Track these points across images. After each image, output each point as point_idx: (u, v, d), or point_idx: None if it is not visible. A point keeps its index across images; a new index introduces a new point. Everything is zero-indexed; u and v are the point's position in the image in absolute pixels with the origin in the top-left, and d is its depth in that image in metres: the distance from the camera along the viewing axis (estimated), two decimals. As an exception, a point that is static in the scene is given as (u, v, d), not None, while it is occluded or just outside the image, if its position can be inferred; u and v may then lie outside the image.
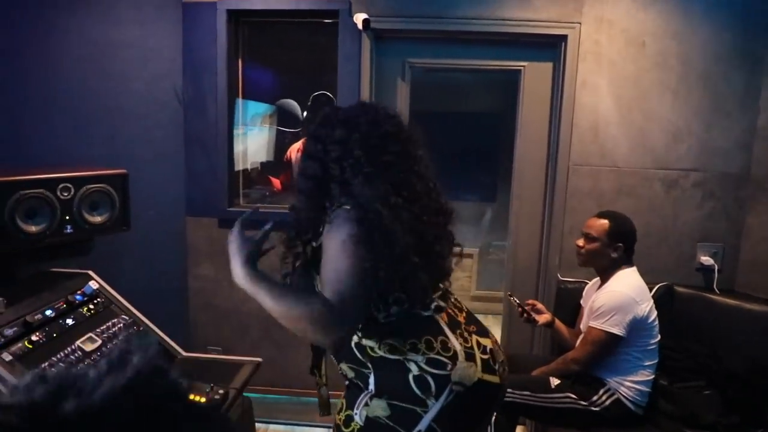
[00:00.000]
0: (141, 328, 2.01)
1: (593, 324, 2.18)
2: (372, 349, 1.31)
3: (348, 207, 1.24)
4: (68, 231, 2.05)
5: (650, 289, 2.29)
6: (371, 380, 1.31)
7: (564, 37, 2.60)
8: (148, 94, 2.62)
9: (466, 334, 1.36)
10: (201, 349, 2.91)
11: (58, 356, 1.64)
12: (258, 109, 3.23)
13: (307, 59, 3.17)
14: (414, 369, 1.28)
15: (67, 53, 2.31)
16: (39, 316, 1.74)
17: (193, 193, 2.85)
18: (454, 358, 1.30)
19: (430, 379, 1.27)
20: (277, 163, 3.74)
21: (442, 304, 1.38)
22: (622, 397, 2.16)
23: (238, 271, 1.31)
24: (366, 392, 1.32)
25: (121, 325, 1.94)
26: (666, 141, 2.65)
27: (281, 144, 3.68)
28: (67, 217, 2.03)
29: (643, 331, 2.17)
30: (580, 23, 2.58)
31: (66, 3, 2.29)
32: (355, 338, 1.32)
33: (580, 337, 2.38)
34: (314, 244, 1.32)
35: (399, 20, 2.63)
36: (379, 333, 1.30)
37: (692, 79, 2.59)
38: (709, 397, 2.23)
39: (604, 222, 2.27)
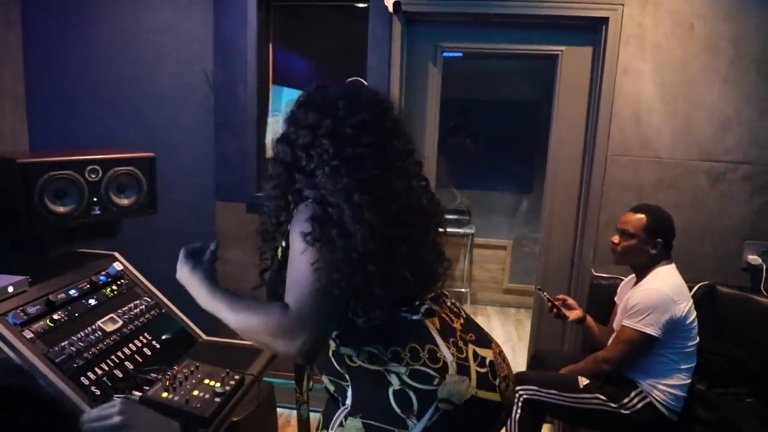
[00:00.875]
0: (162, 311, 2.03)
1: (627, 323, 2.08)
2: (350, 357, 1.17)
3: (308, 202, 1.14)
4: (96, 212, 2.09)
5: (690, 288, 2.17)
6: (348, 394, 1.19)
7: (605, 20, 2.46)
8: (179, 79, 2.64)
9: (461, 343, 1.20)
10: (229, 331, 2.94)
11: (78, 336, 1.67)
12: (291, 95, 3.22)
13: (340, 44, 3.13)
14: (395, 382, 1.13)
15: (99, 38, 2.34)
16: (62, 295, 1.77)
17: (222, 178, 2.86)
18: (443, 370, 1.14)
19: (412, 394, 1.12)
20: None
21: (434, 307, 1.22)
22: (654, 401, 2.05)
23: (199, 293, 1.24)
24: (342, 408, 1.20)
25: (143, 306, 1.96)
26: (713, 131, 2.48)
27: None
28: (95, 199, 2.07)
29: (680, 332, 2.05)
30: (622, 5, 2.43)
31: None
32: (332, 346, 1.19)
33: (612, 335, 2.28)
34: (283, 244, 1.19)
35: (431, 3, 2.55)
36: (359, 339, 1.16)
37: (745, 64, 2.41)
38: (750, 405, 2.09)
39: (641, 217, 2.14)
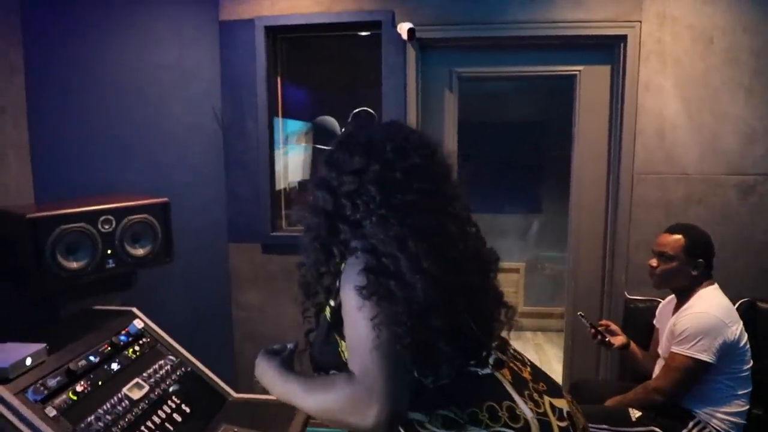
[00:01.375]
0: (189, 369, 1.89)
1: (677, 350, 1.98)
2: (421, 424, 1.04)
3: (358, 253, 1.03)
4: (110, 265, 1.96)
5: (733, 308, 2.08)
6: None
7: (623, 38, 2.42)
8: (186, 117, 2.53)
9: (536, 396, 1.09)
10: (248, 383, 2.78)
11: (105, 408, 1.52)
12: (293, 126, 3.13)
13: (346, 74, 3.06)
14: None
15: (103, 79, 2.23)
16: (83, 362, 1.63)
17: (235, 218, 2.74)
18: (525, 429, 1.03)
19: None
20: (315, 181, 3.64)
21: (502, 357, 1.12)
22: (714, 430, 1.95)
23: (273, 383, 1.16)
24: None
25: (169, 367, 1.82)
26: (740, 144, 2.44)
27: (318, 162, 3.58)
28: (109, 251, 1.94)
29: (734, 356, 1.96)
30: (640, 21, 2.40)
31: (104, 26, 2.21)
32: None
33: (658, 362, 2.18)
34: (332, 303, 1.08)
35: (445, 28, 2.50)
36: (429, 402, 1.04)
37: (767, 74, 2.38)
38: (813, 427, 2.00)
39: (679, 237, 2.06)
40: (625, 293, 2.55)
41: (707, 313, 1.97)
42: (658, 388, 2.01)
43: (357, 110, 3.37)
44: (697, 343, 1.93)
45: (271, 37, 2.65)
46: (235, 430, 1.57)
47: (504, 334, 1.19)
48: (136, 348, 1.83)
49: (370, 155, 1.07)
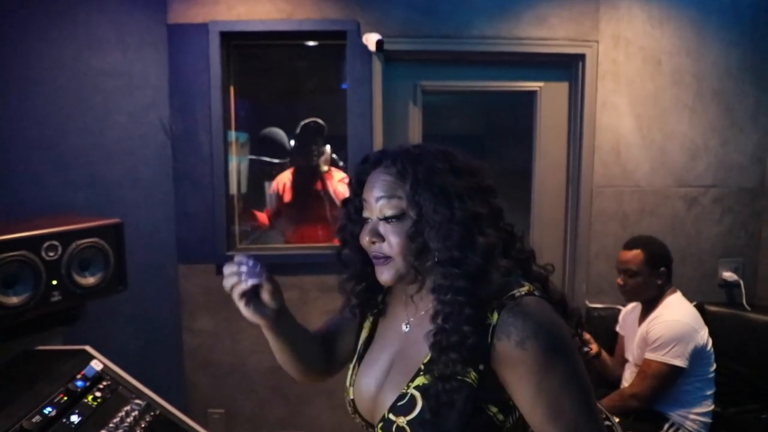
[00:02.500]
0: (158, 412, 1.67)
1: (652, 356, 2.06)
2: None
3: (527, 291, 0.89)
4: (56, 298, 1.70)
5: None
6: None
7: (582, 56, 2.52)
8: (132, 128, 2.28)
9: None
10: (201, 413, 2.56)
11: (74, 472, 1.30)
12: (230, 138, 2.93)
13: (297, 84, 2.92)
14: None
15: (43, 83, 1.95)
16: (38, 418, 1.39)
17: (185, 237, 2.51)
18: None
19: None
20: (259, 195, 3.45)
21: None
22: (687, 431, 2.04)
23: None
24: None
25: (136, 413, 1.60)
26: (685, 159, 2.61)
27: (262, 175, 3.39)
28: (54, 282, 1.68)
29: (703, 359, 2.07)
30: (597, 41, 2.50)
31: (42, 27, 1.93)
32: None
33: (627, 366, 2.27)
34: (481, 367, 0.88)
35: (412, 41, 2.45)
36: None
37: (708, 96, 2.58)
38: (767, 422, 2.16)
39: (638, 252, 2.15)
40: (586, 302, 2.63)
41: (679, 320, 2.07)
42: (635, 394, 2.08)
43: (306, 121, 3.24)
44: (671, 349, 2.02)
45: (225, 44, 2.47)
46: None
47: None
48: (97, 394, 1.59)
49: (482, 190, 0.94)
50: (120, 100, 2.22)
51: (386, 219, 0.93)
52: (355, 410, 1.06)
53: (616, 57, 2.52)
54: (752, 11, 2.55)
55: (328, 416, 2.57)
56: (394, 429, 0.92)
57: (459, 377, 0.87)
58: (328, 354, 1.16)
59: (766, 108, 2.61)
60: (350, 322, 1.15)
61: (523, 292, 0.89)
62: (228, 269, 0.94)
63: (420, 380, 0.92)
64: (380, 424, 0.95)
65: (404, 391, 0.93)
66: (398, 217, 0.93)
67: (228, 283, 0.94)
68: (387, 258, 0.94)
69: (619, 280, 2.19)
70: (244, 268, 0.93)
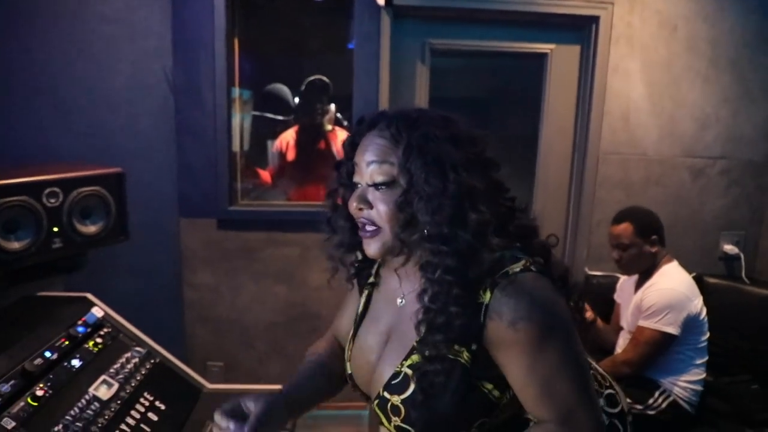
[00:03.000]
0: (158, 360, 1.70)
1: (645, 324, 2.07)
2: None
3: (522, 266, 0.86)
4: (57, 245, 1.71)
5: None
6: None
7: (596, 18, 2.44)
8: (134, 77, 2.24)
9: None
10: (200, 365, 2.60)
11: (73, 413, 1.32)
12: (233, 94, 2.89)
13: (304, 40, 2.86)
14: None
15: (45, 28, 1.90)
16: (39, 361, 1.39)
17: (187, 191, 2.49)
18: (612, 386, 1.05)
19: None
20: (262, 153, 3.42)
21: None
22: (677, 398, 2.08)
23: None
24: None
25: (137, 360, 1.62)
26: (695, 128, 2.57)
27: (265, 132, 3.35)
28: (56, 229, 1.69)
29: (695, 328, 2.09)
30: (612, 3, 2.43)
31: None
32: None
33: (621, 334, 2.29)
34: (473, 346, 0.86)
35: (421, -4, 2.38)
36: None
37: (722, 65, 2.52)
38: (757, 392, 2.19)
39: (627, 225, 2.14)
40: (586, 269, 2.64)
41: (673, 288, 2.07)
42: (627, 360, 2.10)
43: (311, 78, 3.18)
44: (664, 316, 2.03)
45: (230, -7, 2.40)
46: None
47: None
48: (98, 340, 1.60)
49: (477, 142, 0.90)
50: (122, 48, 2.17)
51: (376, 185, 0.88)
52: (354, 384, 1.04)
53: (631, 20, 2.45)
54: (773, -23, 2.47)
55: (326, 372, 2.61)
56: (389, 407, 0.91)
57: (451, 357, 0.85)
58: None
59: (780, 79, 2.56)
60: (353, 312, 1.11)
61: (517, 269, 0.85)
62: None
63: (413, 359, 0.89)
64: (376, 401, 0.94)
65: (398, 369, 0.91)
66: (388, 185, 0.87)
67: None
68: (375, 229, 0.90)
69: (614, 255, 2.19)
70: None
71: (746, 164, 2.62)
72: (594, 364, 1.06)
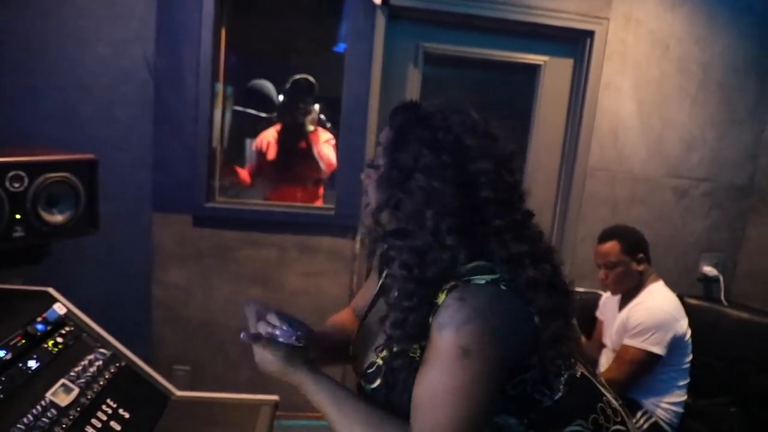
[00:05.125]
0: (123, 363, 1.58)
1: (631, 342, 2.04)
2: None
3: (490, 280, 0.84)
4: (18, 234, 1.59)
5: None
6: None
7: (591, 33, 2.43)
8: (113, 62, 2.12)
9: (603, 388, 1.05)
10: (165, 368, 2.46)
11: (26, 420, 1.19)
12: (216, 88, 2.78)
13: (293, 38, 2.78)
14: None
15: (17, 4, 1.77)
16: (-9, 360, 1.27)
17: (162, 184, 2.37)
18: (623, 421, 1.00)
19: None
20: (242, 150, 3.31)
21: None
22: (659, 420, 2.05)
23: (313, 399, 0.93)
24: None
25: (100, 363, 1.49)
26: (681, 149, 2.59)
27: (246, 129, 3.25)
28: (18, 216, 1.57)
29: (680, 349, 2.08)
30: (608, 19, 2.42)
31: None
32: None
33: (604, 351, 2.27)
34: (423, 343, 0.87)
35: (418, -2, 2.33)
36: (556, 421, 0.94)
37: (711, 88, 2.54)
38: (736, 415, 2.19)
39: (613, 243, 2.12)
40: (568, 285, 2.61)
41: (661, 308, 2.06)
42: (612, 379, 2.06)
43: (297, 77, 3.10)
44: (651, 336, 2.01)
45: (219, -18, 2.30)
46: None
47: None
48: (58, 340, 1.48)
49: (462, 167, 0.86)
50: (101, 29, 2.05)
51: (369, 163, 0.95)
52: (354, 366, 1.07)
53: (626, 37, 2.44)
54: (764, 4, 2.50)
55: (298, 380, 2.51)
56: (366, 393, 0.94)
57: (411, 355, 0.85)
58: None
59: (765, 105, 2.59)
60: (370, 295, 1.14)
61: (482, 281, 0.83)
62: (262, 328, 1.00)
63: (385, 352, 0.91)
64: (358, 385, 0.99)
65: (374, 359, 0.94)
66: (374, 166, 0.93)
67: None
68: (366, 206, 0.95)
69: (601, 274, 2.16)
70: (278, 332, 0.98)
71: (728, 187, 2.64)
72: (609, 397, 1.01)
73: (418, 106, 0.92)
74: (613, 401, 1.02)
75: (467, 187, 0.85)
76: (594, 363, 2.30)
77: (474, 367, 0.78)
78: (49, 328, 1.48)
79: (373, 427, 0.85)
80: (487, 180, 0.86)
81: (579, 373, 0.99)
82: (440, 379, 0.79)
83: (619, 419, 0.99)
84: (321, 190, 3.11)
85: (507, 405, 0.88)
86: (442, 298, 0.83)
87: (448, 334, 0.79)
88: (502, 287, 0.83)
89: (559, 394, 0.93)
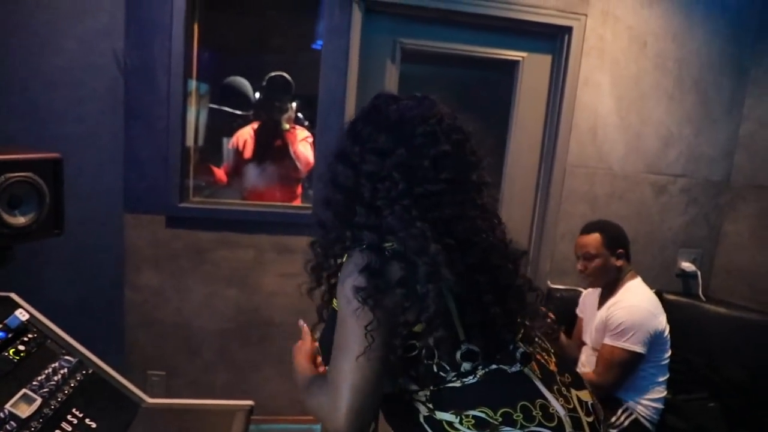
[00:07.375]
0: (90, 371, 1.51)
1: (613, 343, 2.03)
2: (451, 425, 0.97)
3: (363, 246, 0.98)
4: (-22, 237, 1.51)
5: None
6: None
7: (569, 29, 2.43)
8: (80, 56, 2.04)
9: (564, 390, 1.03)
10: (140, 374, 2.39)
11: (-16, 431, 1.14)
12: (189, 86, 2.72)
13: (269, 35, 2.72)
14: None
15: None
16: (-51, 369, 1.21)
17: (134, 184, 2.29)
18: (560, 428, 0.97)
19: None
20: (217, 149, 3.24)
21: (528, 349, 1.05)
22: (639, 417, 2.05)
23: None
24: None
25: (65, 371, 1.43)
26: (659, 146, 2.59)
27: (221, 128, 3.18)
28: (-22, 217, 1.49)
29: (659, 345, 2.07)
30: (586, 15, 2.42)
31: None
32: (424, 410, 0.99)
33: (584, 349, 2.26)
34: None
35: (395, -8, 2.29)
36: (458, 402, 0.97)
37: (687, 84, 2.55)
38: (714, 410, 2.20)
39: (596, 236, 2.12)
40: (548, 282, 2.61)
41: (638, 305, 2.05)
42: (599, 384, 2.03)
43: (273, 74, 3.04)
44: (633, 335, 2.00)
45: (191, -26, 2.23)
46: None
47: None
48: (20, 347, 1.42)
49: (398, 136, 1.01)
50: (67, 23, 1.98)
51: None
52: None
53: (604, 33, 2.44)
54: (738, 1, 2.52)
55: (277, 383, 2.45)
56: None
57: (333, 307, 1.02)
58: None
59: (740, 102, 2.62)
60: None
61: (364, 246, 0.98)
62: None
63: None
64: None
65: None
66: None
67: None
68: None
69: (579, 265, 2.16)
70: None
71: (705, 183, 2.66)
72: (553, 402, 0.99)
73: (371, 104, 1.10)
74: (559, 408, 0.99)
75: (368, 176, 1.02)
76: (574, 360, 2.29)
77: (359, 314, 0.93)
78: (10, 335, 1.43)
79: (315, 387, 1.05)
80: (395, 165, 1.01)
81: (514, 370, 1.00)
82: (336, 328, 0.98)
83: (553, 425, 0.96)
84: (299, 189, 3.06)
85: (408, 369, 0.99)
86: (345, 258, 1.02)
87: (339, 287, 0.98)
88: (388, 250, 0.97)
89: (472, 379, 0.98)
